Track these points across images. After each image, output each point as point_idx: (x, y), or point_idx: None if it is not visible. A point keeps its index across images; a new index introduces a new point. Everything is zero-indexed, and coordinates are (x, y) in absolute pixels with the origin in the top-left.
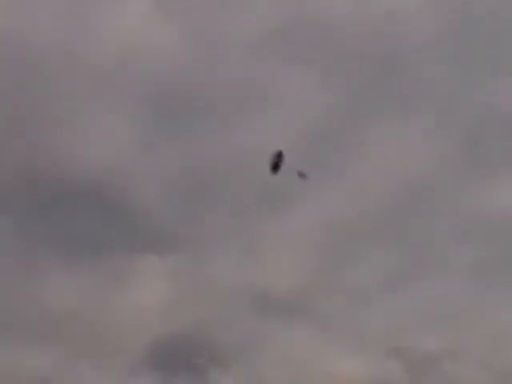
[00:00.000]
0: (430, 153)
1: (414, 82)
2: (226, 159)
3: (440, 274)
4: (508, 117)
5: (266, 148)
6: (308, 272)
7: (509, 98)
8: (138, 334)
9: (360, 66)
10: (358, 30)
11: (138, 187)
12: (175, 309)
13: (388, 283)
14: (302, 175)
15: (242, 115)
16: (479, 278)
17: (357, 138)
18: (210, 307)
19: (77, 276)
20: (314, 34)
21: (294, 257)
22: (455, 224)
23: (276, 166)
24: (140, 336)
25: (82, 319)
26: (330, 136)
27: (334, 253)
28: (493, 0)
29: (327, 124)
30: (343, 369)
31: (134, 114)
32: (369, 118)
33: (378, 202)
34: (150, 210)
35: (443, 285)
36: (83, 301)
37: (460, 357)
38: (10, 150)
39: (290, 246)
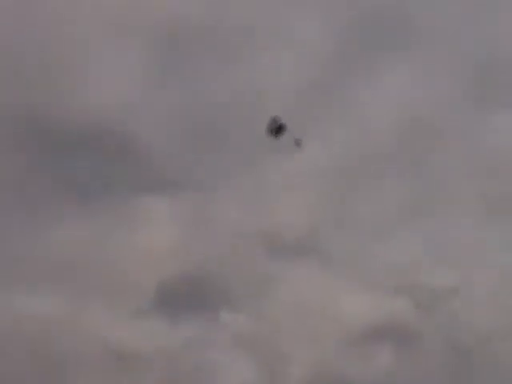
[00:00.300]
0: (440, 89)
1: (419, 19)
2: (235, 100)
3: (451, 211)
4: None
5: (275, 88)
6: (318, 211)
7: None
8: (146, 275)
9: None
10: None
11: (146, 129)
12: (184, 250)
13: (398, 220)
14: (297, 143)
15: (250, 56)
16: (490, 214)
17: (364, 75)
18: (220, 249)
19: (85, 218)
20: None
21: (304, 197)
22: (467, 160)
23: (273, 131)
24: (149, 277)
25: (90, 261)
26: (338, 73)
27: (342, 190)
28: None
29: (334, 63)
30: (352, 306)
31: (140, 56)
32: (375, 54)
33: (389, 138)
34: (159, 151)
35: (454, 221)
36: (92, 243)
37: (469, 293)
38: (18, 94)
39: (300, 186)
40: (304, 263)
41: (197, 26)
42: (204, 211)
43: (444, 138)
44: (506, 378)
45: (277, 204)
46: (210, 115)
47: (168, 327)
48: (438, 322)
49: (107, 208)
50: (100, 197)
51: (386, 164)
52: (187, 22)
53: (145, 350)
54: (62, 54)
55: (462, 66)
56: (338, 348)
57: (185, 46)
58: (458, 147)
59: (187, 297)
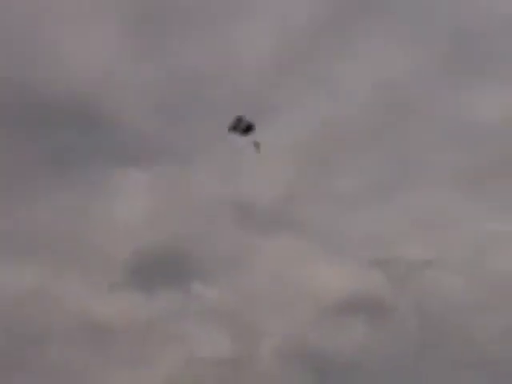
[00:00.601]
0: (415, 61)
1: None
2: (210, 72)
3: (425, 184)
4: (492, 23)
5: (250, 60)
6: (292, 182)
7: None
8: (121, 247)
9: None
10: None
11: (123, 101)
12: (159, 222)
13: (373, 193)
14: (256, 146)
15: (225, 27)
16: (465, 187)
17: (338, 47)
18: (194, 220)
19: (61, 190)
20: None
21: (279, 169)
22: (442, 132)
23: (235, 128)
24: (124, 249)
25: (66, 233)
26: (311, 46)
27: (318, 162)
28: None
29: (308, 36)
30: (327, 279)
31: (116, 29)
32: (349, 27)
33: (363, 111)
34: (136, 124)
35: (428, 194)
36: (68, 214)
37: (443, 266)
38: None
39: (275, 158)
40: (279, 235)
41: None
42: (179, 183)
43: (419, 111)
44: (478, 350)
45: (252, 176)
46: (186, 87)
47: (142, 299)
48: (412, 294)
49: (83, 180)
50: (76, 169)
51: (361, 137)
52: None
53: (119, 322)
54: (38, 28)
55: (436, 38)
56: (312, 320)
57: (160, 18)
58: (432, 119)
59: (161, 269)
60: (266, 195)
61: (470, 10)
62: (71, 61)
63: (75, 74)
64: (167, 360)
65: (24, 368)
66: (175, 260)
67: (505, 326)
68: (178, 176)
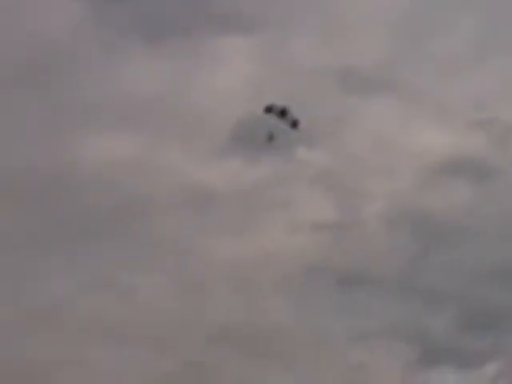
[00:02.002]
0: None
1: None
2: None
3: None
4: None
5: None
6: (395, 46)
7: None
8: (223, 114)
9: None
10: None
11: None
12: (260, 89)
13: (476, 55)
14: (270, 137)
15: None
16: None
17: None
18: (296, 85)
19: (163, 60)
20: None
21: (381, 31)
22: None
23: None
24: (226, 117)
25: (168, 102)
26: None
27: (419, 24)
28: None
29: None
30: (430, 139)
31: None
32: None
33: None
34: None
35: None
36: (170, 84)
37: None
38: None
39: (376, 21)
40: (381, 97)
41: None
42: (280, 49)
43: None
44: None
45: (353, 40)
46: None
47: (244, 166)
48: None
49: (185, 49)
50: (177, 38)
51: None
52: None
53: (223, 189)
54: None
55: None
56: (414, 181)
57: None
58: None
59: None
60: (368, 57)
61: None
62: None
63: None
64: (271, 226)
65: (128, 237)
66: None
67: None
68: (279, 42)
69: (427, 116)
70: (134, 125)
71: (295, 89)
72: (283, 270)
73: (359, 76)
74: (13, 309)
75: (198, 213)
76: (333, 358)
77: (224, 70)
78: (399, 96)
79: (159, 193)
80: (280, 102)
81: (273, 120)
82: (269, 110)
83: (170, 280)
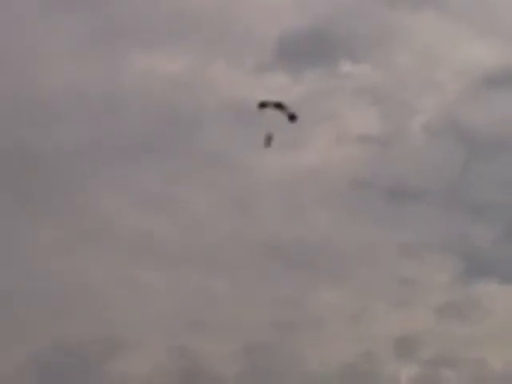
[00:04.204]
0: None
1: None
2: None
3: None
4: None
5: None
6: None
7: None
8: (268, 29)
9: None
10: None
11: None
12: (303, 4)
13: None
14: (268, 140)
15: None
16: None
17: None
18: (337, 1)
19: None
20: None
21: None
22: None
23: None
24: (271, 31)
25: (213, 15)
26: None
27: None
28: None
29: None
30: (476, 54)
31: None
32: None
33: None
34: None
35: None
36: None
37: None
38: None
39: None
40: (426, 11)
41: None
42: None
43: None
44: None
45: None
46: None
47: (290, 80)
48: None
49: None
50: None
51: None
52: None
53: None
54: None
55: None
56: (460, 95)
57: None
58: None
59: (309, 50)
60: None
61: None
62: None
63: None
64: (318, 140)
65: (176, 153)
66: (323, 40)
67: None
68: None
69: (474, 30)
70: (180, 40)
71: (341, 2)
72: (330, 184)
73: None
74: (64, 229)
75: (245, 128)
76: (382, 272)
77: None
78: (446, 10)
79: (206, 108)
80: (274, 98)
81: (271, 111)
82: (263, 105)
83: (218, 196)
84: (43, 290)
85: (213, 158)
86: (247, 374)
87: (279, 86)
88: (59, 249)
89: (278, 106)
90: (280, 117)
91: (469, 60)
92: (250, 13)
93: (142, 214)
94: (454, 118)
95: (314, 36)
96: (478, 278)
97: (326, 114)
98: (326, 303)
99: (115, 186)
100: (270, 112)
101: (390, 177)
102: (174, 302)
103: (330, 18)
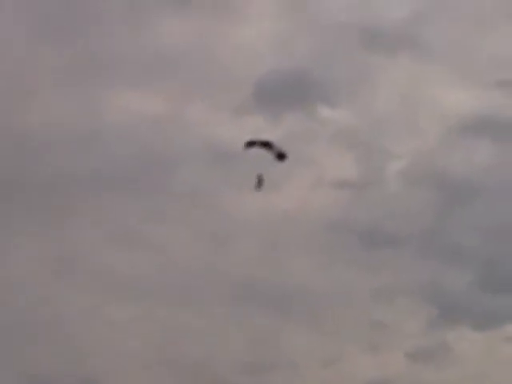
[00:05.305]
0: None
1: None
2: None
3: None
4: None
5: None
6: (418, 3)
7: None
8: (247, 71)
9: None
10: None
11: None
12: (285, 46)
13: (502, 13)
14: (259, 182)
15: None
16: None
17: None
18: (320, 44)
19: (186, 16)
20: None
21: None
22: None
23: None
24: (249, 74)
25: (191, 58)
26: None
27: None
28: None
29: None
30: (453, 99)
31: None
32: None
33: None
34: None
35: None
36: (193, 39)
37: None
38: None
39: None
40: (404, 56)
41: None
42: (303, 6)
43: None
44: None
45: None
46: None
47: (268, 123)
48: None
49: (211, 4)
50: None
51: None
52: None
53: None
54: None
55: None
56: (439, 142)
57: None
58: None
59: (287, 92)
60: (393, 15)
61: None
62: None
63: None
64: (295, 183)
65: (153, 191)
66: (301, 84)
67: None
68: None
69: (452, 76)
70: (159, 80)
71: (319, 46)
72: (306, 227)
73: (384, 34)
74: (38, 257)
75: (222, 169)
76: (355, 316)
77: (249, 26)
78: (423, 55)
79: (183, 148)
80: (271, 135)
81: (258, 150)
82: (250, 144)
83: (193, 234)
84: (10, 323)
85: (189, 198)
86: None
87: (257, 128)
88: (31, 281)
89: (266, 144)
90: (258, 159)
91: (446, 106)
92: (228, 55)
93: (117, 249)
94: (431, 163)
95: (293, 79)
96: (451, 324)
97: (303, 158)
98: (299, 345)
99: (90, 221)
100: (252, 153)
101: (365, 221)
102: (145, 339)
103: (308, 62)
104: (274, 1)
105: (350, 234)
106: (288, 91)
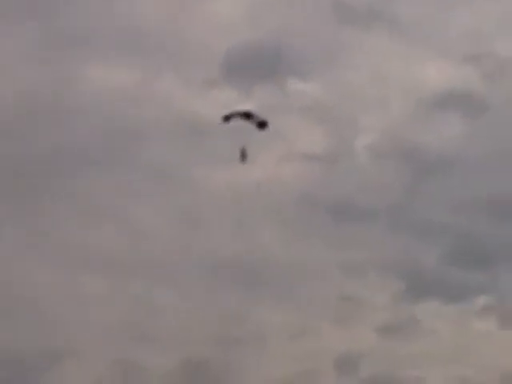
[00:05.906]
0: None
1: None
2: None
3: None
4: None
5: None
6: None
7: None
8: (217, 43)
9: None
10: None
11: None
12: (256, 17)
13: None
14: (243, 155)
15: None
16: None
17: None
18: (290, 15)
19: None
20: None
21: None
22: None
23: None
24: (220, 46)
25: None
26: None
27: None
28: None
29: None
30: (423, 73)
31: None
32: None
33: None
34: None
35: None
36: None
37: None
38: None
39: None
40: (374, 30)
41: None
42: None
43: None
44: None
45: None
46: None
47: (238, 96)
48: (507, 94)
49: None
50: None
51: None
52: None
53: (215, 120)
54: None
55: None
56: (408, 115)
57: None
58: None
59: (258, 65)
60: None
61: None
62: None
63: None
64: (265, 156)
65: (122, 167)
66: (272, 56)
67: None
68: None
69: (423, 50)
70: (129, 53)
71: (290, 18)
72: (276, 200)
73: (356, 8)
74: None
75: (192, 143)
76: (324, 290)
77: None
78: (395, 30)
79: (154, 122)
80: (244, 107)
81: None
82: (227, 118)
83: (166, 209)
84: None
85: (160, 172)
86: None
87: (227, 101)
88: (4, 256)
89: (246, 115)
90: (229, 132)
91: (417, 81)
92: (199, 27)
93: (89, 225)
94: (400, 137)
95: (264, 52)
96: (421, 298)
97: (273, 131)
98: (268, 319)
99: (62, 197)
100: (222, 126)
101: (335, 195)
102: (117, 314)
103: (279, 34)
104: None
105: (319, 208)
106: (259, 64)
